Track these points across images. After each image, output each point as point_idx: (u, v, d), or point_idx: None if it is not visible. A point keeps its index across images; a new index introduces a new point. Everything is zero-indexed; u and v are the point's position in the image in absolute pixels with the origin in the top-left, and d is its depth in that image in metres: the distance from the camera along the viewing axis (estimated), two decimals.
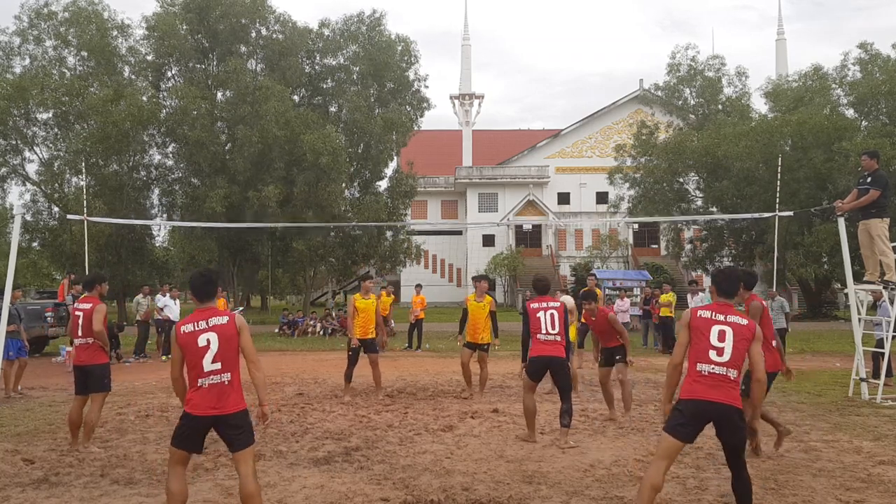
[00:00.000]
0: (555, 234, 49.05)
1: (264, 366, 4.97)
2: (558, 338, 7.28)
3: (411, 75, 33.71)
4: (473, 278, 11.41)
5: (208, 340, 4.52)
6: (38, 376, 13.32)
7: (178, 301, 17.15)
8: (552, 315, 7.30)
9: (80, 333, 7.21)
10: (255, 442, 4.70)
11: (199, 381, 4.51)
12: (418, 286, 19.79)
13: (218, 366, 4.52)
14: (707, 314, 4.71)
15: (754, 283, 7.03)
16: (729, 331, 4.62)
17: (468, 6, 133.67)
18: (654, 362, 15.14)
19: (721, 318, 4.67)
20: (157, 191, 33.57)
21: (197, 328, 4.55)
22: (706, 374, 4.57)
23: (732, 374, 4.58)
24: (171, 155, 32.83)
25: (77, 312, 7.33)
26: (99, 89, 29.20)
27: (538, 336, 7.28)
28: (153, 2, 56.36)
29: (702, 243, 34.91)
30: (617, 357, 8.80)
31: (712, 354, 4.58)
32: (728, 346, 4.59)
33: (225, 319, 4.64)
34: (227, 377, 4.54)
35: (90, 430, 7.14)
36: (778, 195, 15.42)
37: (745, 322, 4.69)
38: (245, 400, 4.69)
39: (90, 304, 7.25)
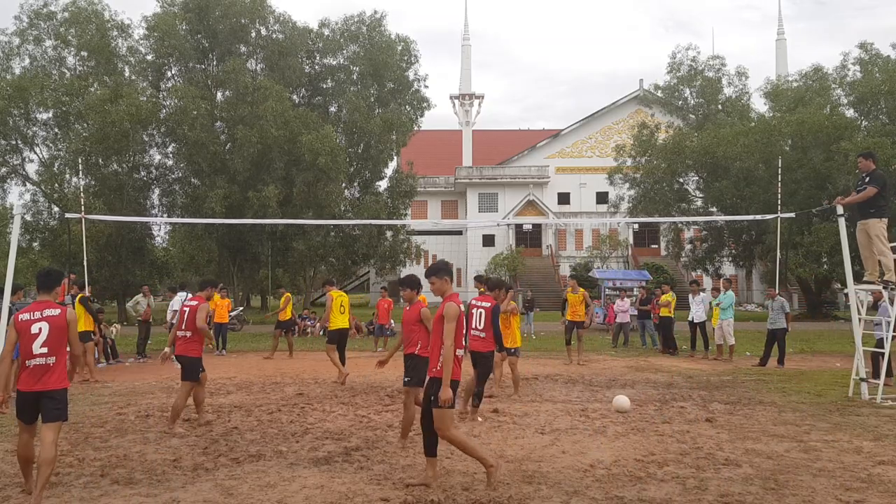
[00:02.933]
0: (555, 234, 49.04)
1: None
2: (483, 334, 8.29)
3: (411, 75, 33.74)
4: (475, 279, 11.49)
5: (40, 329, 5.27)
6: None
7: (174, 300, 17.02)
8: (481, 314, 8.33)
9: (183, 327, 8.18)
10: (66, 419, 5.44)
11: (27, 362, 5.25)
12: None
13: (45, 350, 5.25)
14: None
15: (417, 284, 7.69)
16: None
17: (468, 6, 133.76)
18: (655, 362, 15.14)
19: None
20: (157, 191, 33.58)
21: (32, 317, 5.32)
22: (459, 356, 5.74)
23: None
24: (171, 155, 32.83)
25: (185, 308, 8.33)
26: (98, 89, 29.19)
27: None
28: (153, 2, 56.37)
29: (702, 243, 34.90)
30: (406, 379, 7.21)
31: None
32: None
33: (57, 312, 5.39)
34: (51, 360, 5.27)
35: (175, 414, 7.97)
36: (780, 196, 15.40)
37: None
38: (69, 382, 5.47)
39: (196, 302, 8.26)
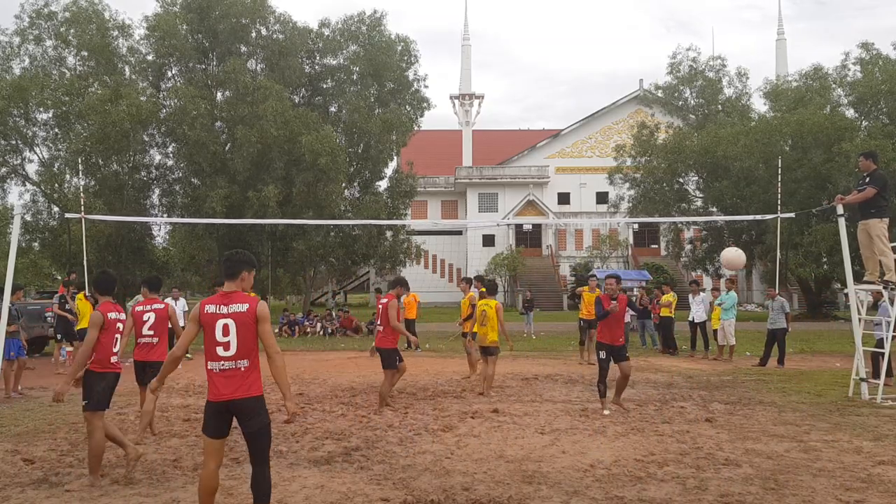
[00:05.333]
0: (555, 234, 49.03)
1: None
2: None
3: (411, 75, 33.68)
4: (474, 279, 11.55)
5: (149, 317, 7.39)
6: (39, 376, 13.32)
7: (179, 301, 17.05)
8: None
9: (379, 322, 9.48)
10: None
11: (139, 340, 7.41)
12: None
13: (151, 332, 7.36)
14: (212, 308, 4.52)
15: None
16: (231, 323, 4.49)
17: (468, 6, 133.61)
18: (655, 362, 15.14)
19: (224, 310, 4.51)
20: (157, 191, 33.53)
21: (144, 309, 7.45)
22: (217, 371, 4.52)
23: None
24: (171, 155, 32.77)
25: (379, 305, 9.56)
26: (98, 89, 29.15)
27: None
28: (153, 2, 56.39)
29: (702, 243, 34.89)
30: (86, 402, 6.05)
31: (220, 350, 4.48)
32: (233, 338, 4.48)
33: (162, 306, 7.56)
34: (155, 340, 7.39)
35: (382, 399, 9.23)
36: (780, 196, 15.38)
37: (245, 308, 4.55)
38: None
39: (387, 300, 9.24)
